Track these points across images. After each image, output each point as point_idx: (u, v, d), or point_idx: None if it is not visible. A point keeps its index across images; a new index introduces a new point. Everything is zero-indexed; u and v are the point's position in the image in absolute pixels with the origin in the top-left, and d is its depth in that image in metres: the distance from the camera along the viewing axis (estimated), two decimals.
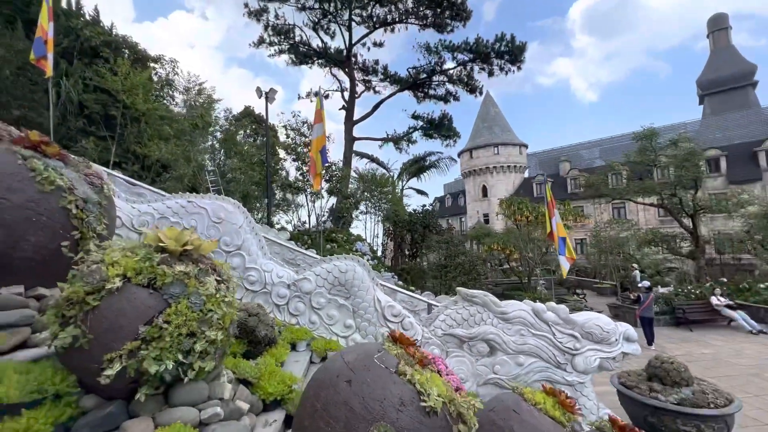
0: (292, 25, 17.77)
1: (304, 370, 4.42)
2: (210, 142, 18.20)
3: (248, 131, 30.50)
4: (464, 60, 21.86)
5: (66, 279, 2.80)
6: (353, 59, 20.09)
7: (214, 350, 2.47)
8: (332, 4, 17.01)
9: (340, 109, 20.71)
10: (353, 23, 18.79)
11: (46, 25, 7.70)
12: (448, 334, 5.65)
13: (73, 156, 3.34)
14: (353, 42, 19.46)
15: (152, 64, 19.11)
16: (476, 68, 22.19)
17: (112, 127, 15.59)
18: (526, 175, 49.69)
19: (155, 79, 19.00)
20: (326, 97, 23.57)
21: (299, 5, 16.85)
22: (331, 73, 22.01)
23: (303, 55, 19.74)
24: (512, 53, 21.19)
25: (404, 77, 22.12)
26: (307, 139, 15.07)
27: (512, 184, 47.56)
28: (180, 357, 2.25)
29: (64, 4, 18.56)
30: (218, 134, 22.35)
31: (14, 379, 1.99)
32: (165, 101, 19.25)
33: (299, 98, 21.64)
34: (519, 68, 22.26)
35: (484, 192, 48.16)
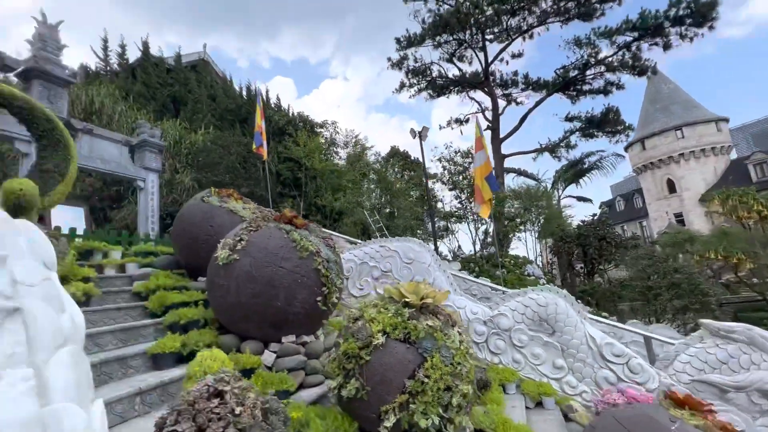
0: (429, 63, 18.94)
1: (525, 418, 4.09)
2: (367, 185, 20.40)
3: (396, 168, 33.04)
4: (626, 42, 18.76)
5: (321, 327, 3.26)
6: (491, 77, 19.78)
7: (466, 404, 2.48)
8: (467, 33, 17.38)
9: (485, 130, 20.47)
10: (487, 43, 18.69)
11: (260, 121, 10.09)
12: (700, 381, 4.44)
13: (312, 224, 4.10)
14: (489, 61, 19.27)
15: (319, 129, 23.04)
16: (644, 46, 18.71)
17: (299, 187, 19.18)
18: (734, 155, 38.15)
19: (322, 140, 22.74)
20: (466, 121, 23.70)
21: (435, 43, 17.86)
22: (468, 96, 22.21)
23: (440, 87, 20.60)
24: (697, 14, 17.02)
25: (550, 80, 20.41)
26: (460, 167, 15.29)
27: (713, 171, 37.13)
28: (441, 411, 2.32)
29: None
30: (373, 176, 24.93)
31: (319, 424, 2.39)
32: (332, 157, 22.72)
33: (440, 128, 22.41)
34: (711, 28, 17.63)
35: (671, 187, 38.95)
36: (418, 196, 30.09)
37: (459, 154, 15.78)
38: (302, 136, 17.78)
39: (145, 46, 20.45)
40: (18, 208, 3.55)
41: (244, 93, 23.83)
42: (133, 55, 20.90)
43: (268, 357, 3.35)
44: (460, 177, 14.74)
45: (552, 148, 22.35)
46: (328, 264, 3.62)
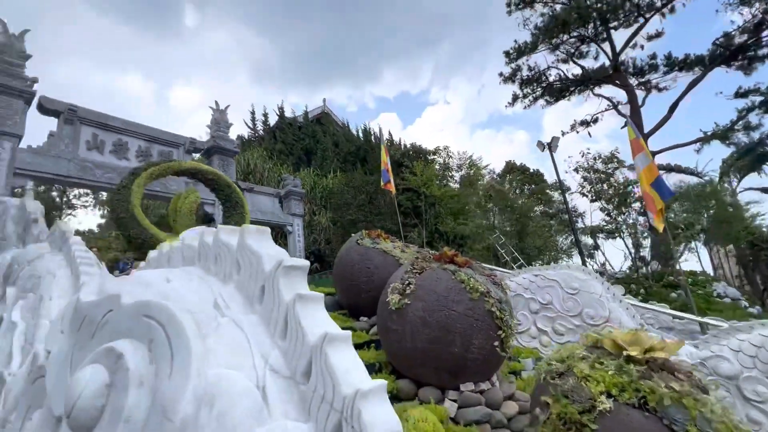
0: (544, 69, 17.71)
1: None
2: (490, 205, 19.54)
3: (514, 183, 31.14)
4: None
5: (496, 373, 2.91)
6: (622, 68, 17.28)
7: None
8: (589, 26, 15.72)
9: (622, 128, 17.77)
10: (611, 31, 16.54)
11: (385, 159, 10.62)
12: None
13: (474, 261, 3.93)
14: (618, 50, 16.93)
15: (432, 156, 23.41)
16: None
17: (419, 215, 19.54)
18: None
19: (437, 167, 22.97)
20: (593, 122, 21.06)
21: (551, 46, 16.68)
22: (594, 94, 19.77)
23: (558, 91, 18.93)
24: None
25: (706, 54, 16.67)
26: (602, 175, 13.42)
27: None
28: None
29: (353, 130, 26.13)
30: (487, 193, 23.89)
31: None
32: (448, 182, 22.68)
33: (563, 134, 20.31)
34: None
35: None
36: (543, 211, 27.57)
37: (600, 159, 13.83)
38: (418, 166, 18.25)
39: (281, 111, 24.17)
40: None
41: (361, 135, 25.91)
42: (273, 119, 24.96)
43: (450, 406, 3.18)
44: (605, 186, 12.83)
45: (723, 134, 17.79)
46: (501, 305, 3.34)
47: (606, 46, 17.11)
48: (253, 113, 24.32)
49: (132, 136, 10.08)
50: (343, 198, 11.73)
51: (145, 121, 9.46)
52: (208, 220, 9.82)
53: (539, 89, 19.00)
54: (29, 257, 2.40)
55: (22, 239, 3.01)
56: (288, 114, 24.52)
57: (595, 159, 13.83)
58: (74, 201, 30.84)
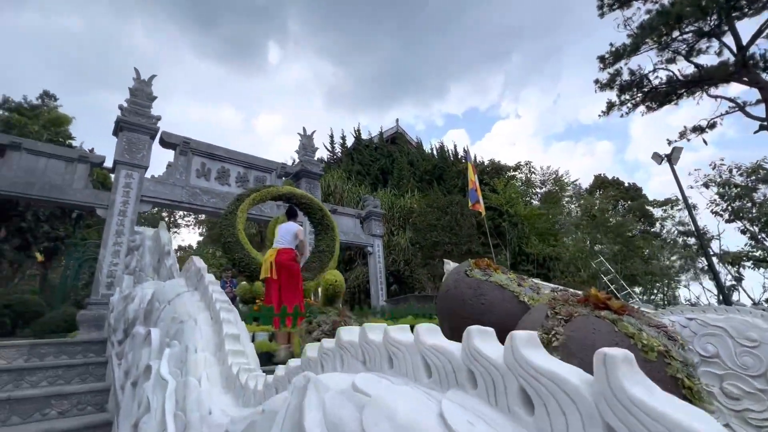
0: (650, 71, 15.71)
1: None
2: (582, 222, 17.66)
3: (606, 200, 28.05)
4: None
5: None
6: (750, 62, 14.55)
7: None
8: (709, 19, 13.55)
9: (756, 132, 14.88)
10: (735, 22, 14.11)
11: (473, 177, 10.04)
12: None
13: (632, 306, 3.21)
14: (746, 44, 14.28)
15: (512, 173, 22.13)
16: None
17: (501, 235, 18.37)
18: None
19: (518, 183, 21.62)
20: (710, 127, 18.06)
21: (659, 45, 14.79)
22: (708, 95, 16.99)
23: (664, 95, 16.64)
24: None
25: None
26: (739, 191, 11.23)
27: None
28: None
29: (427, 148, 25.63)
30: (574, 211, 21.67)
31: None
32: (530, 200, 21.16)
33: (669, 143, 17.57)
34: None
35: None
36: (643, 231, 24.26)
37: (741, 171, 11.52)
38: (500, 184, 17.28)
39: (358, 133, 24.91)
40: (334, 295, 4.05)
41: (435, 153, 25.56)
42: (349, 141, 25.84)
43: None
44: (745, 202, 10.60)
45: None
46: (687, 368, 2.57)
47: (728, 39, 14.64)
48: (331, 136, 25.45)
49: (232, 163, 10.90)
50: (428, 219, 11.34)
51: (235, 147, 10.35)
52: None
53: (640, 95, 16.93)
54: (169, 296, 2.32)
55: (156, 271, 3.06)
56: (364, 136, 25.20)
57: (730, 171, 11.59)
58: (179, 221, 34.93)
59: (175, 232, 33.83)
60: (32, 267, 13.91)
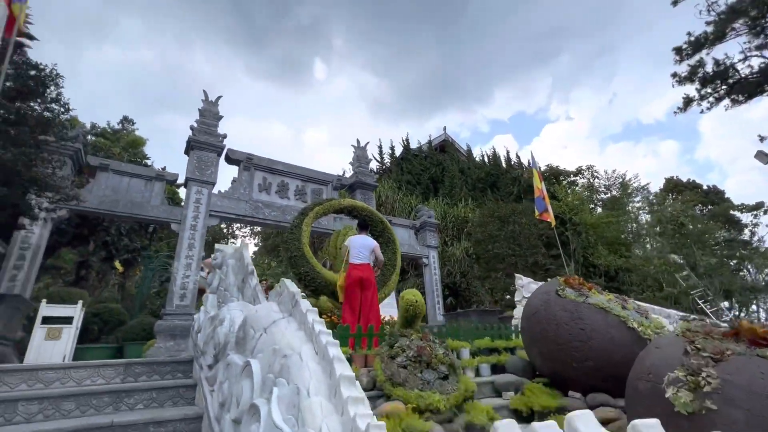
0: (740, 59, 13.93)
1: None
2: (665, 229, 15.95)
3: (681, 205, 25.36)
4: None
5: None
6: None
7: None
8: None
9: None
10: None
11: (539, 185, 9.38)
12: None
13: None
14: None
15: (573, 177, 20.73)
16: None
17: (562, 245, 17.16)
18: None
19: (579, 189, 20.19)
20: None
21: (753, 28, 13.10)
22: None
23: (755, 85, 14.68)
24: None
25: None
26: None
27: None
28: None
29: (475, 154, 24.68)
30: (644, 218, 19.69)
31: None
32: (593, 206, 19.64)
33: (762, 139, 15.26)
34: None
35: None
36: (728, 239, 21.51)
37: None
38: (561, 190, 16.18)
39: (406, 142, 24.78)
40: (414, 317, 3.78)
41: (486, 160, 24.72)
42: (397, 151, 25.79)
43: None
44: None
45: None
46: None
47: None
48: (380, 147, 25.55)
49: (291, 177, 11.15)
50: (486, 230, 10.78)
51: (285, 161, 10.58)
52: None
53: (724, 87, 15.09)
54: (264, 322, 2.17)
55: (241, 291, 2.98)
56: (413, 145, 25.03)
57: None
58: (236, 232, 36.81)
59: (232, 242, 35.65)
60: (113, 277, 15.17)
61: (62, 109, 5.66)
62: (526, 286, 6.70)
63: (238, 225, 35.02)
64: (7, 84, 5.02)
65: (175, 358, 2.93)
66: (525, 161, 25.97)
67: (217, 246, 3.72)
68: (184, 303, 8.33)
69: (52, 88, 5.35)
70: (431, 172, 22.00)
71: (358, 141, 13.24)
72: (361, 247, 5.62)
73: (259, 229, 34.78)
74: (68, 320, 7.28)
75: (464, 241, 15.65)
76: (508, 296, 13.67)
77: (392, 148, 25.53)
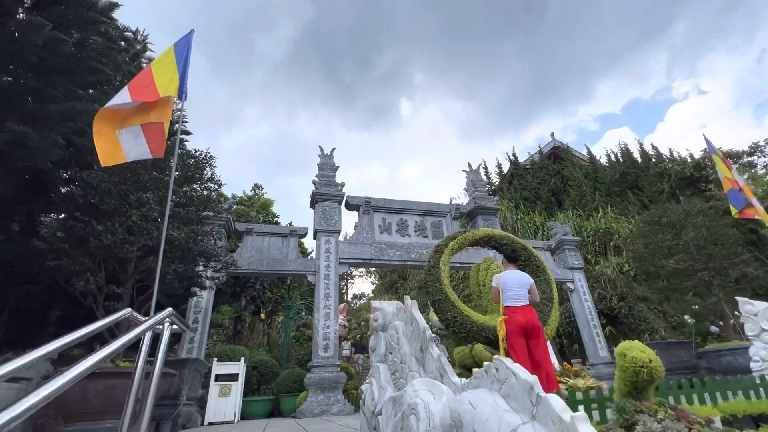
0: None
1: None
2: None
3: None
4: None
5: None
6: None
7: None
8: None
9: None
10: None
11: (729, 174, 7.19)
12: None
13: None
14: None
15: (747, 158, 16.18)
16: None
17: (759, 248, 13.10)
18: None
19: (761, 172, 15.60)
20: None
21: None
22: None
23: None
24: None
25: None
26: None
27: None
28: None
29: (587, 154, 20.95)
30: None
31: None
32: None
33: None
34: None
35: None
36: None
37: None
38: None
39: (514, 157, 23.03)
40: (646, 384, 2.70)
41: (618, 158, 21.28)
42: (503, 167, 24.10)
43: None
44: None
45: None
46: None
47: None
48: (485, 167, 24.26)
49: (408, 213, 10.88)
50: (652, 240, 8.66)
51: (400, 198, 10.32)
52: None
53: None
54: (489, 425, 1.46)
55: (420, 362, 2.38)
56: (520, 158, 23.12)
57: None
58: (353, 271, 38.32)
59: (350, 282, 37.14)
60: (260, 327, 16.73)
61: (216, 186, 6.29)
62: (763, 313, 4.79)
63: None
64: (176, 173, 5.78)
65: None
66: (665, 151, 21.56)
67: (374, 304, 3.29)
68: (327, 354, 8.36)
69: (208, 169, 5.99)
70: (550, 183, 19.76)
71: (469, 165, 12.49)
72: (517, 285, 4.70)
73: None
74: (234, 377, 7.84)
75: (613, 256, 13.15)
76: (690, 320, 10.73)
77: (499, 166, 23.99)
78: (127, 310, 2.66)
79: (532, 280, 4.85)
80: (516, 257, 5.16)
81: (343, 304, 14.26)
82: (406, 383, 2.53)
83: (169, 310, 2.77)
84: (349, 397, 8.81)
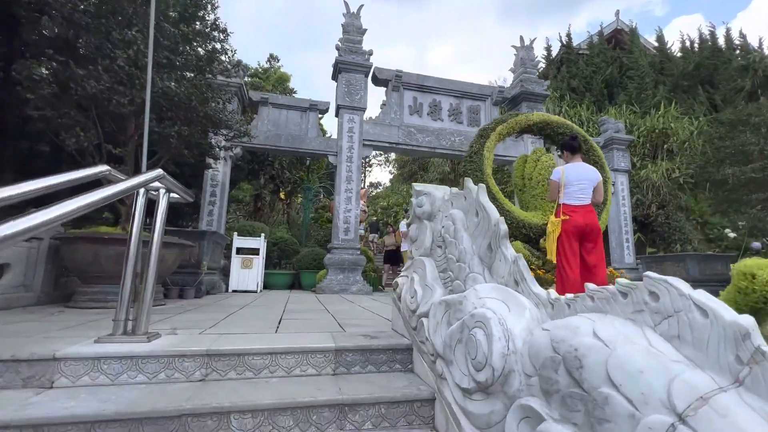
0: None
1: None
2: None
3: None
4: None
5: None
6: None
7: None
8: None
9: None
10: None
11: None
12: None
13: None
14: None
15: None
16: None
17: None
18: None
19: None
20: None
21: None
22: None
23: None
24: None
25: None
26: None
27: None
28: None
29: None
30: None
31: None
32: None
33: None
34: None
35: None
36: None
37: None
38: None
39: (567, 39, 19.66)
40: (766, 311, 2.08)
41: (694, 47, 17.87)
42: (553, 51, 20.80)
43: None
44: None
45: None
46: None
47: None
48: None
49: (443, 94, 9.50)
50: (729, 145, 7.38)
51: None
52: None
53: None
54: (648, 381, 0.82)
55: (486, 264, 1.77)
56: (574, 41, 19.73)
57: None
58: (372, 159, 37.53)
59: (368, 170, 36.70)
60: (280, 206, 16.90)
61: (222, 36, 5.13)
62: None
63: (374, 153, 35.78)
64: (171, 14, 4.61)
65: (391, 344, 1.92)
66: (753, 41, 17.82)
67: (416, 186, 2.59)
68: (348, 237, 8.20)
69: (209, 8, 4.77)
70: (605, 73, 17.11)
71: (521, 39, 10.42)
72: (582, 181, 3.90)
73: (393, 155, 34.77)
74: (255, 251, 7.87)
75: (663, 161, 11.87)
76: (731, 234, 10.07)
77: (548, 49, 20.71)
78: (104, 167, 2.04)
79: (600, 177, 4.02)
80: (578, 148, 4.21)
81: (363, 189, 13.95)
82: (463, 287, 1.96)
83: (158, 171, 2.13)
84: (367, 278, 9.00)
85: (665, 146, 12.01)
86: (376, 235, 14.93)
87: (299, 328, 2.82)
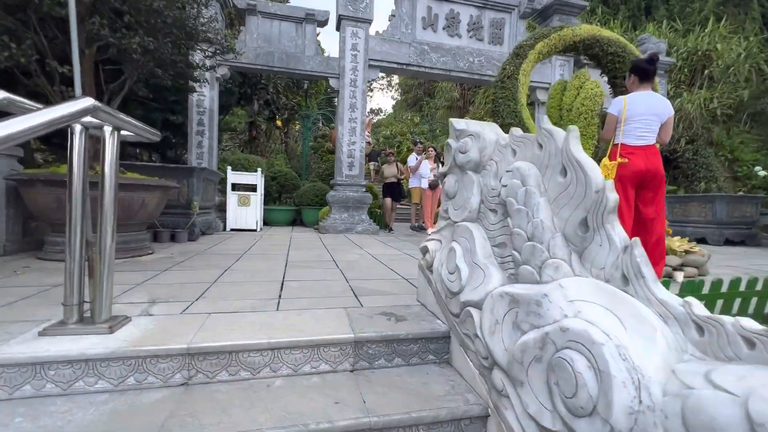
0: None
1: None
2: None
3: None
4: None
5: None
6: None
7: None
8: None
9: None
10: None
11: None
12: None
13: None
14: None
15: None
16: None
17: None
18: None
19: None
20: None
21: None
22: None
23: None
24: None
25: None
26: None
27: None
28: None
29: None
30: None
31: None
32: None
33: None
34: None
35: None
36: None
37: None
38: None
39: None
40: None
41: None
42: None
43: None
44: None
45: None
46: None
47: None
48: None
49: (462, 2, 8.05)
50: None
51: None
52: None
53: None
54: None
55: (577, 249, 1.19)
56: None
57: None
58: (372, 83, 34.92)
59: (368, 94, 34.34)
60: (277, 134, 15.83)
61: None
62: None
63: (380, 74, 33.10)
64: None
65: (423, 332, 1.33)
66: None
67: (456, 123, 1.92)
68: (352, 173, 7.53)
69: None
70: None
71: None
72: (649, 115, 3.16)
73: (396, 79, 32.14)
74: (253, 188, 7.26)
75: (702, 89, 10.69)
76: (762, 172, 9.44)
77: None
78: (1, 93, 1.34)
79: (672, 111, 3.26)
80: (649, 73, 3.35)
81: (368, 118, 12.81)
82: (537, 275, 1.39)
83: (87, 101, 1.42)
84: (373, 216, 8.53)
85: (705, 72, 10.71)
86: (376, 163, 13.98)
87: (306, 300, 2.33)
